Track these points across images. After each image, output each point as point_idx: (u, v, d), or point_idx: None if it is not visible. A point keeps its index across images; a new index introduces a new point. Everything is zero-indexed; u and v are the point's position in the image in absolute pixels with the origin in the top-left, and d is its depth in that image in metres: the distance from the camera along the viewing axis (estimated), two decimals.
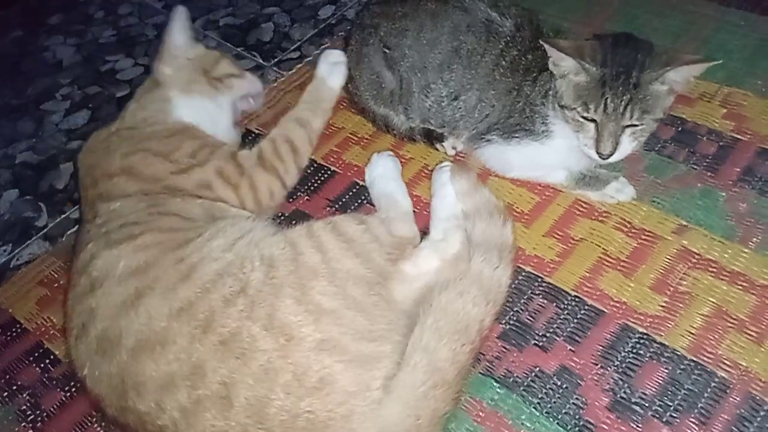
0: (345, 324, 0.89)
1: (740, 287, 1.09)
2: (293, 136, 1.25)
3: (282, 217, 1.31)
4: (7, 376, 1.16)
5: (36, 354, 1.19)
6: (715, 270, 1.11)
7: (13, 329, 1.23)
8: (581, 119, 1.08)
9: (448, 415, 0.92)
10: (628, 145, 1.08)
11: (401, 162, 1.36)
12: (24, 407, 1.12)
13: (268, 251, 0.94)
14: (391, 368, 0.90)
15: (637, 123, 1.05)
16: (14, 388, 1.15)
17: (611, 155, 1.07)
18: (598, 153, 1.07)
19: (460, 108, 1.28)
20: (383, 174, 1.27)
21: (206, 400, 0.83)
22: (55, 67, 1.80)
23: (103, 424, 1.06)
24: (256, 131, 1.49)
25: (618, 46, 1.08)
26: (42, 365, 1.17)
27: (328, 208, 1.31)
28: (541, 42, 1.09)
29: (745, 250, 1.13)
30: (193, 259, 0.94)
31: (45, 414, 1.11)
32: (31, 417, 1.11)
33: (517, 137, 1.21)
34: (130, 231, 0.98)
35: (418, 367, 0.91)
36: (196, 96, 1.23)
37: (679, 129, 1.32)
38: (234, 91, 1.30)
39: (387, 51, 1.31)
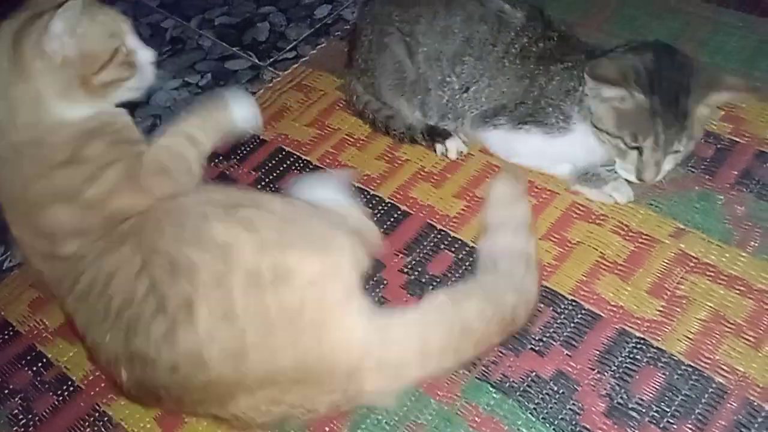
0: (284, 228, 0.91)
1: (738, 291, 1.08)
2: (187, 154, 1.11)
3: None
4: (2, 381, 1.15)
5: (28, 357, 1.17)
6: (712, 274, 1.10)
7: (5, 332, 1.22)
8: (623, 148, 1.07)
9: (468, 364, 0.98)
10: (669, 169, 1.09)
11: (397, 164, 1.36)
12: (16, 411, 1.11)
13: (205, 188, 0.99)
14: (358, 260, 0.91)
15: (683, 146, 1.05)
16: (6, 391, 1.14)
17: (651, 180, 1.08)
18: (639, 179, 1.08)
19: (470, 98, 1.27)
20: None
21: (176, 319, 0.84)
22: None
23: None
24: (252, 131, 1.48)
25: (662, 65, 1.05)
26: (34, 368, 1.16)
27: None
28: (585, 75, 1.08)
29: (743, 254, 1.12)
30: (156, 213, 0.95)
31: (37, 418, 1.10)
32: (23, 421, 1.09)
33: (526, 126, 1.21)
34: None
35: (440, 307, 0.93)
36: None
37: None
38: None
39: (407, 39, 1.29)
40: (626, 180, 1.18)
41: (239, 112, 1.21)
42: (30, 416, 1.10)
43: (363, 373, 0.89)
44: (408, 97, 1.34)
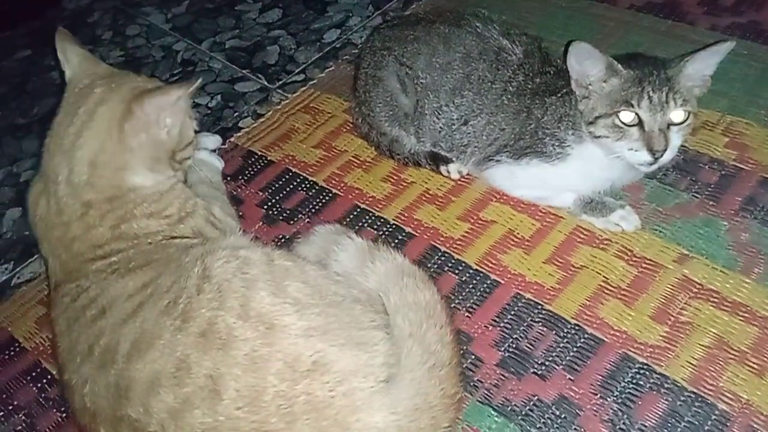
0: (329, 316, 0.89)
1: (742, 318, 1.08)
2: (225, 197, 1.32)
3: (283, 240, 1.31)
4: (4, 396, 1.16)
5: (33, 374, 1.18)
6: (716, 300, 1.10)
7: (12, 348, 1.23)
8: (622, 124, 1.08)
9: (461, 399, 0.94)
10: (676, 143, 1.09)
11: (402, 186, 1.37)
12: (20, 428, 1.11)
13: (245, 253, 0.94)
14: (389, 353, 0.90)
15: (681, 118, 1.07)
16: (10, 408, 1.14)
17: (665, 151, 1.07)
18: (650, 151, 1.07)
19: (469, 133, 1.29)
20: None
21: (194, 396, 0.82)
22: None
23: None
24: (259, 153, 1.50)
25: (633, 58, 1.12)
26: (39, 385, 1.17)
27: None
28: (568, 59, 1.11)
29: (747, 281, 1.12)
30: (185, 263, 0.94)
31: None
32: None
33: (527, 158, 1.22)
34: (142, 261, 0.99)
35: (413, 351, 0.92)
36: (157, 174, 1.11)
37: (681, 157, 1.30)
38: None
39: (401, 74, 1.32)
40: (625, 221, 1.22)
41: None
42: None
43: None
44: (404, 127, 1.37)
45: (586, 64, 1.10)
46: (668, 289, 1.13)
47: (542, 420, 1.00)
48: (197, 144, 1.17)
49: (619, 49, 1.52)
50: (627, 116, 1.07)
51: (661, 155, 1.07)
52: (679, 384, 1.01)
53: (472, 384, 1.05)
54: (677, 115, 1.07)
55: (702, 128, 1.35)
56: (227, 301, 0.86)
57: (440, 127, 1.32)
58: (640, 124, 1.07)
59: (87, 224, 1.03)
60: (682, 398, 1.00)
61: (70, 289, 0.99)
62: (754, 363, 1.02)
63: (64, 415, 1.12)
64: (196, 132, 1.14)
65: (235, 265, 0.90)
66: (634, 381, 1.02)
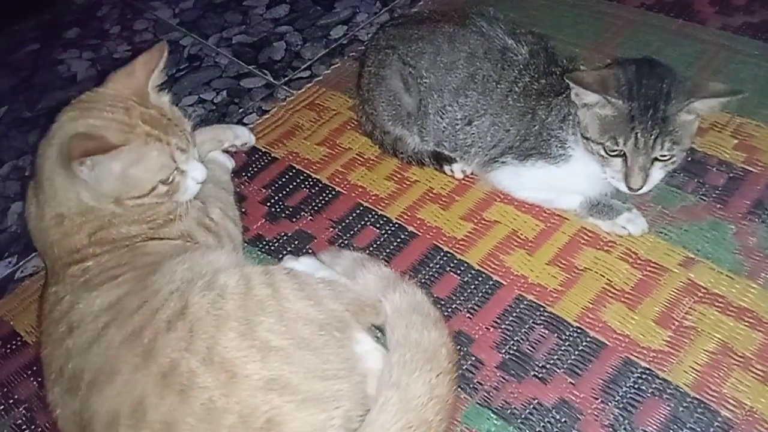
0: (295, 362, 0.86)
1: (747, 324, 1.06)
2: (231, 199, 1.29)
3: (285, 237, 1.31)
4: (5, 389, 1.16)
5: (35, 368, 1.18)
6: (721, 305, 1.09)
7: (14, 341, 1.23)
8: (607, 155, 1.07)
9: None
10: (657, 178, 1.08)
11: (405, 185, 1.36)
12: (19, 421, 1.12)
13: (223, 280, 0.91)
14: (352, 409, 0.87)
15: (666, 155, 1.05)
16: (11, 401, 1.15)
17: (640, 188, 1.07)
18: (628, 187, 1.07)
19: (473, 133, 1.28)
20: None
21: None
22: (68, 80, 1.82)
23: None
24: (263, 149, 1.49)
25: (642, 75, 1.07)
26: (40, 380, 1.17)
27: (331, 229, 1.31)
28: (566, 79, 1.08)
29: (754, 286, 1.10)
30: (156, 286, 0.92)
31: (39, 429, 1.10)
32: (26, 431, 1.10)
33: (532, 159, 1.21)
34: (112, 273, 0.97)
35: (388, 405, 0.88)
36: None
37: (689, 159, 1.29)
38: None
39: (404, 73, 1.31)
40: (632, 224, 1.20)
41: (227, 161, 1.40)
42: (33, 427, 1.11)
43: None
44: (407, 127, 1.36)
45: (582, 91, 1.08)
46: (673, 293, 1.11)
47: (542, 424, 0.99)
48: (178, 190, 1.08)
49: (627, 49, 1.52)
50: (612, 148, 1.07)
51: (636, 191, 1.08)
52: (681, 390, 1.00)
53: (471, 386, 1.04)
54: (662, 154, 1.05)
55: (711, 129, 1.34)
56: (195, 343, 0.84)
57: (444, 127, 1.31)
58: (624, 156, 1.07)
59: (64, 232, 1.03)
60: (685, 404, 0.98)
61: (50, 294, 1.00)
62: (758, 369, 1.01)
63: None
64: (165, 182, 1.05)
65: (210, 299, 0.88)
66: (636, 386, 1.01)
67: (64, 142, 0.99)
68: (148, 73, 1.07)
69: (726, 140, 1.32)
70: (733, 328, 1.06)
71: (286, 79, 1.70)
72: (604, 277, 1.15)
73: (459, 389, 1.03)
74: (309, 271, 1.10)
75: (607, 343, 1.07)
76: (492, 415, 1.01)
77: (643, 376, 1.02)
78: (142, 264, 1.00)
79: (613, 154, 1.07)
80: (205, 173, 1.10)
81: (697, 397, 0.99)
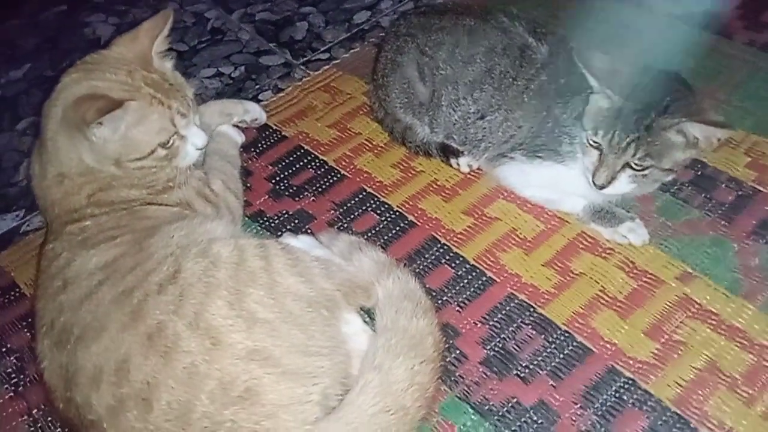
0: (279, 336, 0.87)
1: (738, 344, 1.04)
2: (235, 173, 1.30)
3: (286, 215, 1.31)
4: None
5: (29, 319, 1.20)
6: (714, 323, 1.07)
7: (12, 292, 1.26)
8: (588, 143, 1.08)
9: None
10: (624, 184, 1.07)
11: (410, 174, 1.36)
12: (9, 370, 1.14)
13: (217, 249, 0.93)
14: (331, 386, 0.88)
15: (638, 165, 1.04)
16: (3, 350, 1.17)
17: (604, 187, 1.07)
18: (592, 181, 1.08)
19: (485, 128, 1.27)
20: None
21: (128, 399, 0.82)
22: (93, 43, 1.84)
23: (49, 418, 1.06)
24: (274, 127, 1.50)
25: (653, 83, 1.06)
26: (33, 332, 1.18)
27: (332, 211, 1.31)
28: (577, 59, 1.08)
29: (750, 307, 1.09)
30: (152, 249, 0.94)
31: (28, 379, 1.12)
32: (15, 380, 1.12)
33: (540, 156, 1.20)
34: (110, 234, 0.98)
35: (368, 388, 0.88)
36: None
37: (698, 173, 1.28)
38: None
39: (421, 62, 1.31)
40: (633, 234, 1.19)
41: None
42: (21, 377, 1.13)
43: None
44: (418, 116, 1.35)
45: (587, 74, 1.07)
46: (666, 306, 1.10)
47: (518, 423, 0.99)
48: (177, 155, 1.09)
49: (649, 57, 1.48)
50: (592, 139, 1.07)
51: (600, 188, 1.08)
52: (663, 403, 0.99)
53: (452, 379, 1.04)
54: (634, 162, 1.04)
55: (725, 145, 1.31)
56: (184, 307, 0.86)
57: (455, 120, 1.30)
58: (600, 151, 1.07)
59: (65, 191, 1.04)
60: (664, 418, 0.97)
61: (48, 250, 1.01)
62: (744, 391, 0.99)
63: None
64: (164, 146, 1.06)
65: (203, 267, 0.90)
66: (618, 395, 1.00)
67: (68, 104, 1.01)
68: (152, 39, 1.08)
69: (739, 157, 1.29)
70: (724, 348, 1.04)
71: (305, 59, 1.71)
72: (598, 283, 1.14)
73: (440, 381, 1.03)
74: (305, 249, 1.11)
75: (594, 349, 1.06)
76: (470, 409, 1.01)
77: (626, 386, 1.01)
78: (140, 227, 1.01)
79: (593, 145, 1.07)
80: (206, 140, 1.11)
81: (678, 412, 0.98)
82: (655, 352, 1.05)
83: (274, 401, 0.83)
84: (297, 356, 0.87)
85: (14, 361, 1.15)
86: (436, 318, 1.01)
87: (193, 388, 0.82)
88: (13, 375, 1.13)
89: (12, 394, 1.11)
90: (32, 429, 1.06)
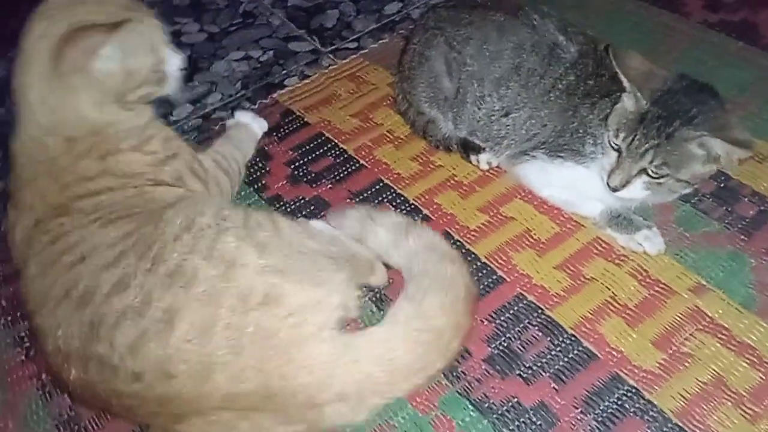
0: (291, 258, 0.91)
1: (747, 361, 1.03)
2: (237, 156, 1.30)
3: (302, 200, 1.32)
4: (15, 302, 1.21)
5: None
6: (724, 337, 1.05)
7: None
8: (608, 144, 1.08)
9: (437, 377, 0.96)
10: (638, 190, 1.06)
11: (429, 168, 1.36)
12: (22, 334, 1.17)
13: (228, 213, 0.96)
14: (350, 298, 0.92)
15: (655, 173, 1.03)
16: (18, 314, 1.20)
17: (617, 190, 1.07)
18: (607, 181, 1.07)
19: (508, 125, 1.27)
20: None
21: (150, 329, 0.84)
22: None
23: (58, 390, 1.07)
24: (297, 113, 1.51)
25: (684, 92, 1.05)
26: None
27: (349, 200, 1.32)
28: (611, 55, 1.08)
29: (763, 324, 1.06)
30: (168, 216, 0.95)
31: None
32: (27, 345, 1.16)
33: (562, 156, 1.20)
34: (124, 212, 0.98)
35: (401, 310, 0.93)
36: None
37: (721, 185, 1.26)
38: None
39: (449, 56, 1.30)
40: (649, 242, 1.18)
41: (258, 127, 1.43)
42: (33, 341, 1.15)
43: (324, 404, 0.89)
44: (442, 111, 1.35)
45: (620, 73, 1.07)
46: (676, 317, 1.08)
47: (517, 423, 0.99)
48: (165, 78, 1.07)
49: (682, 64, 1.47)
50: (613, 140, 1.07)
51: (613, 190, 1.08)
52: (665, 414, 0.98)
53: (454, 374, 1.04)
54: (651, 169, 1.04)
55: (751, 159, 1.28)
56: (198, 245, 0.89)
57: (480, 117, 1.30)
58: (619, 154, 1.06)
59: (76, 155, 1.01)
60: (665, 429, 0.96)
61: (52, 227, 0.98)
62: (749, 409, 0.97)
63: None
64: (156, 67, 1.04)
65: (213, 218, 0.94)
66: (620, 402, 0.99)
67: (55, 47, 0.95)
68: None
69: (764, 172, 1.27)
70: (732, 363, 1.03)
71: (333, 47, 1.71)
72: (609, 289, 1.13)
73: (441, 373, 1.04)
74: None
75: (599, 355, 1.05)
76: (469, 405, 1.01)
77: (629, 394, 1.00)
78: (152, 208, 1.00)
79: (613, 146, 1.07)
80: (183, 60, 1.09)
81: (680, 424, 0.96)
82: (662, 362, 1.03)
83: (294, 302, 0.87)
84: (312, 271, 0.91)
85: (27, 325, 1.18)
86: (465, 266, 1.04)
87: (213, 306, 0.85)
88: (26, 340, 1.16)
89: (24, 357, 1.14)
90: (41, 393, 1.08)
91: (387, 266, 1.13)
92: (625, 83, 1.06)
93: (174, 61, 1.07)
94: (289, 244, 0.94)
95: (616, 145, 1.06)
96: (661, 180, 1.04)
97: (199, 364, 0.84)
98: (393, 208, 1.29)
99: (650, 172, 1.03)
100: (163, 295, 0.85)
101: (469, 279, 1.02)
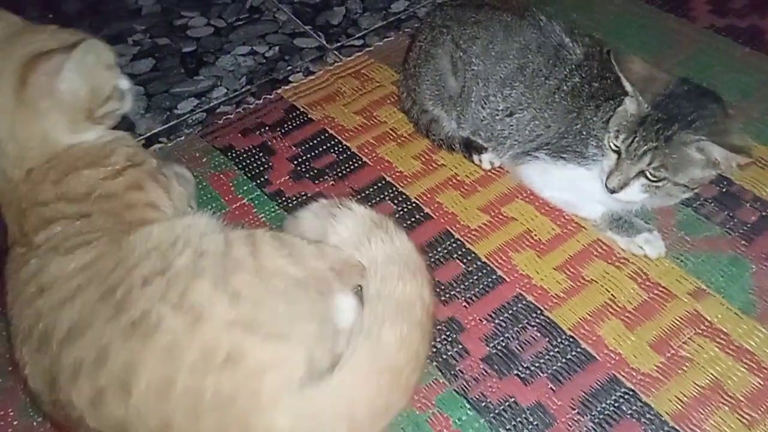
0: (263, 307, 0.85)
1: (745, 366, 1.03)
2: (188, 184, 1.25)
3: (304, 196, 1.33)
4: None
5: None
6: (723, 342, 1.06)
7: None
8: (608, 145, 1.08)
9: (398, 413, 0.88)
10: (636, 192, 1.06)
11: (431, 167, 1.36)
12: None
13: (206, 245, 0.89)
14: (317, 350, 0.85)
15: (653, 175, 1.03)
16: None
17: (615, 192, 1.07)
18: (605, 183, 1.08)
19: (512, 125, 1.27)
20: None
21: (108, 387, 0.80)
22: (133, 13, 1.87)
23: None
24: (301, 109, 1.51)
25: (685, 96, 1.05)
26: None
27: (350, 197, 1.32)
28: (613, 59, 1.08)
29: (762, 329, 1.07)
30: (131, 245, 0.90)
31: None
32: None
33: (564, 158, 1.20)
34: (84, 239, 0.93)
35: (359, 351, 0.87)
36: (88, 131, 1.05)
37: (723, 190, 1.26)
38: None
39: (455, 55, 1.31)
40: (649, 246, 1.17)
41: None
42: None
43: None
44: (446, 109, 1.35)
45: (622, 77, 1.07)
46: (675, 321, 1.09)
47: (513, 422, 0.99)
48: (123, 95, 1.07)
49: (687, 68, 1.47)
50: (613, 142, 1.07)
51: (611, 192, 1.08)
52: (662, 417, 0.98)
53: (452, 372, 1.05)
54: (649, 171, 1.04)
55: (754, 164, 1.28)
56: (170, 292, 0.83)
57: (484, 116, 1.30)
58: (619, 155, 1.06)
59: (32, 182, 0.99)
60: None
61: (17, 255, 0.96)
62: (746, 414, 0.98)
63: None
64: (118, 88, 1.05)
65: (191, 258, 0.87)
66: (617, 405, 1.00)
67: (18, 74, 0.95)
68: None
69: (767, 177, 1.27)
70: (730, 368, 1.03)
71: (339, 44, 1.71)
72: (609, 292, 1.13)
73: (439, 372, 1.04)
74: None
75: (597, 357, 1.05)
76: (466, 404, 1.01)
77: (626, 396, 1.00)
78: (112, 231, 0.95)
79: (613, 148, 1.07)
80: (129, 81, 1.09)
81: (676, 427, 0.97)
82: (660, 365, 1.04)
83: (257, 363, 0.81)
84: (281, 322, 0.85)
85: None
86: (427, 276, 0.97)
87: (174, 363, 0.79)
88: None
89: None
90: None
91: None
92: (627, 87, 1.06)
93: (124, 83, 1.08)
94: (265, 285, 0.87)
95: (616, 146, 1.06)
96: (659, 183, 1.04)
97: (158, 428, 0.80)
98: (394, 206, 1.29)
99: (648, 175, 1.04)
100: (121, 348, 0.80)
101: (429, 297, 0.95)
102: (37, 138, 0.99)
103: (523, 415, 1.00)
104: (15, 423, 1.04)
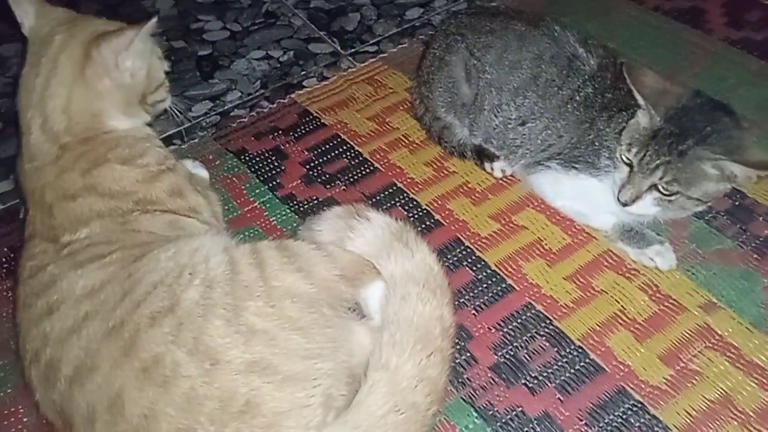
0: (278, 344, 0.83)
1: (756, 381, 1.02)
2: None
3: (315, 201, 1.33)
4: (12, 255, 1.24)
5: None
6: (733, 356, 1.05)
7: None
8: (620, 158, 1.08)
9: None
10: (648, 206, 1.06)
11: (443, 174, 1.37)
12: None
13: (213, 272, 0.87)
14: (334, 387, 0.84)
15: (665, 189, 1.03)
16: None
17: (627, 205, 1.07)
18: (617, 196, 1.08)
19: (524, 134, 1.27)
20: None
21: None
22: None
23: None
24: (314, 113, 1.52)
25: (699, 110, 1.05)
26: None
27: (361, 203, 1.32)
28: (625, 72, 1.08)
29: None
30: (139, 274, 0.87)
31: None
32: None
33: (576, 168, 1.20)
34: (100, 251, 0.91)
35: (376, 388, 0.85)
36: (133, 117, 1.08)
37: (736, 203, 1.25)
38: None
39: (469, 63, 1.31)
40: (660, 257, 1.17)
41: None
42: None
43: None
44: (459, 117, 1.35)
45: (634, 90, 1.07)
46: (685, 334, 1.08)
47: None
48: (167, 86, 1.12)
49: (702, 80, 1.47)
50: (625, 155, 1.07)
51: (623, 205, 1.08)
52: (670, 430, 0.97)
53: (460, 380, 1.05)
54: (662, 185, 1.04)
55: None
56: (182, 334, 0.81)
57: (496, 125, 1.30)
58: (631, 169, 1.06)
59: (60, 168, 0.98)
60: None
61: (39, 253, 0.95)
62: (756, 429, 0.97)
63: None
64: (167, 73, 1.11)
65: (199, 292, 0.84)
66: (624, 417, 0.99)
67: (81, 50, 0.97)
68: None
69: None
70: (741, 383, 1.02)
71: (353, 50, 1.72)
72: (618, 303, 1.13)
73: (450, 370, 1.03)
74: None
75: (606, 368, 1.05)
76: (474, 412, 1.01)
77: (634, 409, 1.00)
78: (130, 244, 0.94)
79: (625, 161, 1.07)
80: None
81: None
82: (669, 378, 1.03)
83: (274, 410, 0.80)
84: (296, 361, 0.84)
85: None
86: (448, 294, 0.96)
87: (193, 412, 0.78)
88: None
89: None
90: None
91: None
92: (640, 100, 1.06)
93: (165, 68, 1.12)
94: (278, 314, 0.85)
95: (628, 159, 1.06)
96: (672, 197, 1.03)
97: None
98: (405, 212, 1.30)
99: (661, 189, 1.03)
100: (137, 397, 0.78)
101: (449, 318, 0.93)
102: (89, 114, 1.01)
103: (530, 425, 0.99)
104: (25, 420, 1.04)
